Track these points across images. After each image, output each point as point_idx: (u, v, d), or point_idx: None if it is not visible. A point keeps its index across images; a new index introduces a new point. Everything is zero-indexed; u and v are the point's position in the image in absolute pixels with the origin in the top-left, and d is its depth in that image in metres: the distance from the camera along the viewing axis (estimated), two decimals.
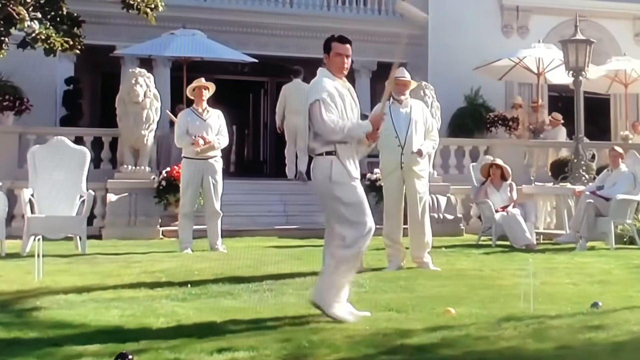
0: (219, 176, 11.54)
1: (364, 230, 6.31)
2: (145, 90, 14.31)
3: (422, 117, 9.70)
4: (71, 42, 12.46)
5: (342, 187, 6.34)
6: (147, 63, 19.46)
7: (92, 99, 20.97)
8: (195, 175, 11.40)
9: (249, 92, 25.03)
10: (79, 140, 15.58)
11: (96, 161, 15.79)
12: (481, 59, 18.61)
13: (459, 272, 9.20)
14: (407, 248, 9.66)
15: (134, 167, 14.52)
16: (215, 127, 11.50)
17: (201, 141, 11.28)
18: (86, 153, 11.61)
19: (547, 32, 20.29)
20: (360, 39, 20.12)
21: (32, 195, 11.09)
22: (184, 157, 11.61)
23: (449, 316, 6.39)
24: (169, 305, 6.82)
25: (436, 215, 14.74)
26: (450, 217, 14.94)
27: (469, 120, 19.23)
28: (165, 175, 13.97)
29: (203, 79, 12.09)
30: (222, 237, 11.66)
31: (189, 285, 7.81)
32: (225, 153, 28.53)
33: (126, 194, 14.03)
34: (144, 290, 7.60)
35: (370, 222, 6.35)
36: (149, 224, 13.62)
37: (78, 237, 11.06)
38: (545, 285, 8.04)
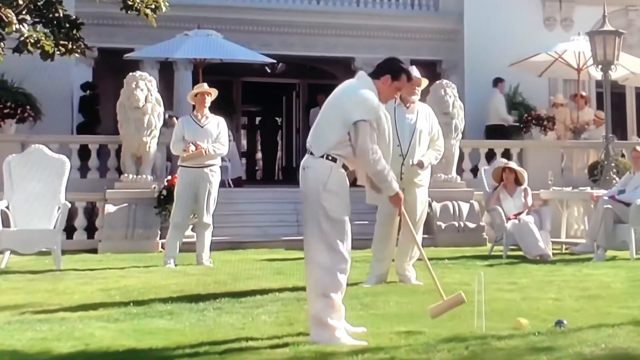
0: (214, 187, 11.42)
1: (340, 265, 6.11)
2: (146, 95, 14.24)
3: (428, 125, 9.41)
4: (69, 46, 12.46)
5: (333, 199, 6.10)
6: (168, 66, 19.57)
7: (111, 105, 21.01)
8: (190, 184, 11.29)
9: (280, 95, 24.93)
10: (84, 149, 15.78)
11: (102, 170, 15.88)
12: (522, 54, 18.08)
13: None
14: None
15: (135, 176, 14.45)
16: (213, 135, 11.35)
17: (192, 147, 11.13)
18: (65, 162, 11.52)
19: (594, 24, 19.62)
20: (391, 36, 20.32)
21: (7, 207, 11.06)
22: (179, 165, 11.53)
23: (518, 327, 6.29)
24: (93, 327, 6.66)
25: (457, 224, 14.54)
26: (472, 225, 14.57)
27: None
28: (166, 184, 13.87)
29: (205, 85, 12.00)
30: (224, 249, 11.53)
31: (131, 304, 7.68)
32: (252, 159, 28.61)
33: (125, 204, 13.98)
34: (82, 310, 7.47)
35: (346, 259, 6.15)
36: (148, 237, 13.54)
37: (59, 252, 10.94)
38: (524, 301, 7.92)
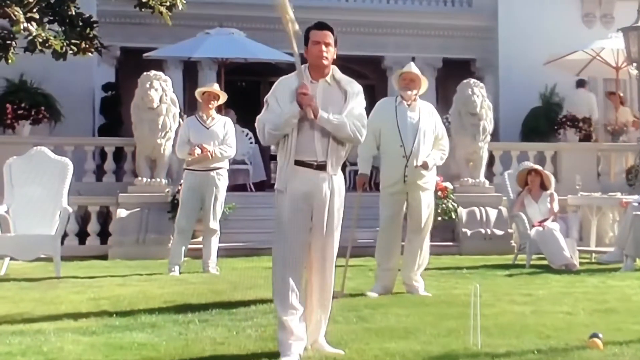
0: (221, 191, 11.17)
1: None
2: (161, 95, 14.06)
3: (432, 124, 9.01)
4: (82, 45, 12.32)
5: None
6: (192, 66, 19.42)
7: None
8: (195, 188, 11.06)
9: None
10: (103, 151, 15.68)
11: (118, 173, 15.74)
12: (559, 53, 17.69)
13: (448, 298, 8.58)
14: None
15: (149, 180, 14.27)
16: (220, 136, 11.10)
17: (198, 150, 10.90)
18: (67, 165, 11.35)
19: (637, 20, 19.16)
20: (422, 34, 20.08)
21: (7, 211, 10.90)
22: (184, 168, 11.31)
23: (593, 347, 6.00)
24: (65, 341, 6.42)
25: (483, 231, 14.20)
26: (499, 232, 14.18)
27: (543, 121, 18.39)
28: (179, 188, 13.64)
29: (216, 85, 11.83)
30: (238, 256, 11.30)
31: (115, 315, 7.47)
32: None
33: (137, 209, 13.82)
34: (62, 322, 7.25)
35: None
36: (160, 242, 13.27)
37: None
38: (533, 315, 7.60)
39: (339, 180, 5.96)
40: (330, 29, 6.03)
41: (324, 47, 5.92)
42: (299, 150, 5.84)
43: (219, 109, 15.30)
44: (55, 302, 8.40)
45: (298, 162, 5.84)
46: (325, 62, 5.93)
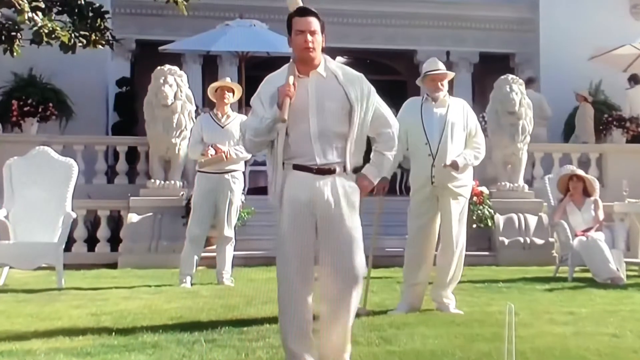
0: (236, 195, 10.84)
1: None
2: (175, 91, 13.81)
3: (463, 119, 8.47)
4: (92, 37, 12.13)
5: None
6: (212, 60, 19.18)
7: None
8: (209, 192, 10.72)
9: None
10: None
11: (131, 174, 15.50)
12: (605, 47, 17.30)
13: (482, 317, 8.18)
14: (431, 283, 8.71)
15: (163, 182, 14.01)
16: (235, 136, 10.64)
17: (212, 151, 10.57)
18: (72, 166, 11.09)
19: None
20: (457, 26, 19.89)
21: (7, 217, 10.65)
22: (197, 170, 11.00)
23: None
24: None
25: (522, 240, 13.88)
26: (539, 241, 13.83)
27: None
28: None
29: (228, 79, 11.51)
30: (257, 265, 11.44)
31: (115, 334, 7.17)
32: None
33: (150, 213, 13.59)
34: (56, 340, 6.96)
35: None
36: (173, 250, 12.81)
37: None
38: (575, 337, 7.17)
39: (346, 183, 5.54)
40: (315, 14, 5.56)
41: (309, 37, 5.45)
42: (294, 153, 5.48)
43: (239, 107, 15.13)
44: (52, 317, 8.11)
45: (296, 167, 5.48)
46: (312, 53, 5.48)
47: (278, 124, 5.36)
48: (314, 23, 5.52)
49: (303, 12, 5.56)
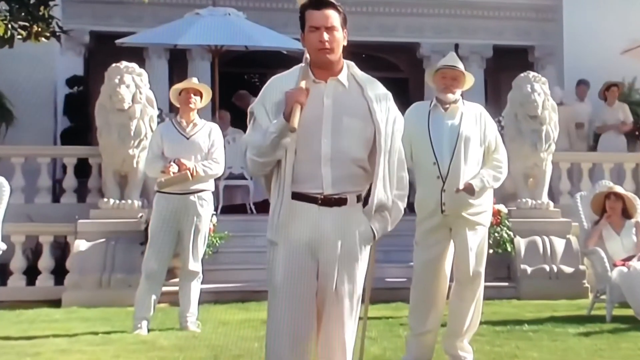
0: (204, 221, 10.03)
1: None
2: (134, 93, 13.10)
3: (479, 131, 7.67)
4: (35, 28, 11.50)
5: None
6: (181, 55, 18.76)
7: None
8: (170, 217, 9.89)
9: None
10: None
11: (80, 192, 14.78)
12: (638, 39, 16.73)
13: None
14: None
15: (117, 201, 13.25)
16: (203, 149, 9.98)
17: (174, 167, 9.68)
18: (2, 185, 10.38)
19: None
20: (467, 15, 19.60)
21: None
22: (156, 190, 10.15)
23: None
24: None
25: (548, 267, 13.32)
26: (568, 270, 13.20)
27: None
28: None
29: (195, 79, 10.71)
30: (231, 301, 11.40)
31: None
32: None
33: (102, 239, 12.88)
34: None
35: None
36: (129, 285, 12.05)
37: None
38: None
39: (357, 218, 4.98)
40: (333, 5, 5.05)
41: (325, 35, 4.96)
42: (296, 178, 4.87)
43: (212, 113, 14.37)
44: None
45: (296, 196, 4.84)
46: (329, 55, 4.98)
47: (285, 137, 4.85)
48: (332, 17, 5.03)
49: (318, 3, 5.07)
